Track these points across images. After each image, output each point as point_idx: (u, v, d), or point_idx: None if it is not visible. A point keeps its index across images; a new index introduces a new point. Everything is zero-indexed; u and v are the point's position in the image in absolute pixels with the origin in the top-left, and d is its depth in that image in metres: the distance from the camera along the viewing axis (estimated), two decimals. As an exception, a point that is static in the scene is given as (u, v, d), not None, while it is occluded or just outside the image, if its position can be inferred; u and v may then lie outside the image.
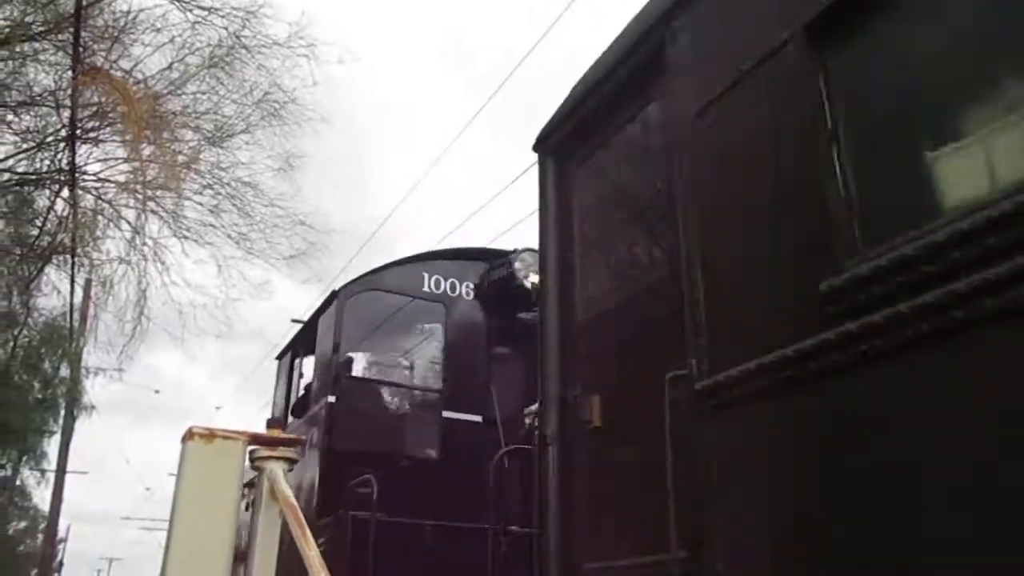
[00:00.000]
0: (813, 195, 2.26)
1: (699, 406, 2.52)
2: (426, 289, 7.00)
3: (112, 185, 13.76)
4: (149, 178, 13.22)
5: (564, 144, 3.79)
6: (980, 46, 2.02)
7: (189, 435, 2.93)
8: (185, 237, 14.05)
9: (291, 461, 3.08)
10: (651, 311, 2.97)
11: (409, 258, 7.19)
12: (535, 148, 3.97)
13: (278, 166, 14.64)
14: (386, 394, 7.35)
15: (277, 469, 3.00)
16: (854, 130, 2.26)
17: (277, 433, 3.16)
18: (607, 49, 3.59)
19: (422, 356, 7.63)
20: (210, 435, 2.96)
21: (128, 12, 12.48)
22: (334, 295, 6.89)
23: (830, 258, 2.16)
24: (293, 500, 2.89)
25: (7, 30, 11.53)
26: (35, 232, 13.99)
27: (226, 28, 12.99)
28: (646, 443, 2.75)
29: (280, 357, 8.43)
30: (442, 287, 7.06)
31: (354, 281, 6.99)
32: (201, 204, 14.23)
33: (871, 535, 1.94)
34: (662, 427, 2.62)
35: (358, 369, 7.23)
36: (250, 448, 3.05)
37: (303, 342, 7.78)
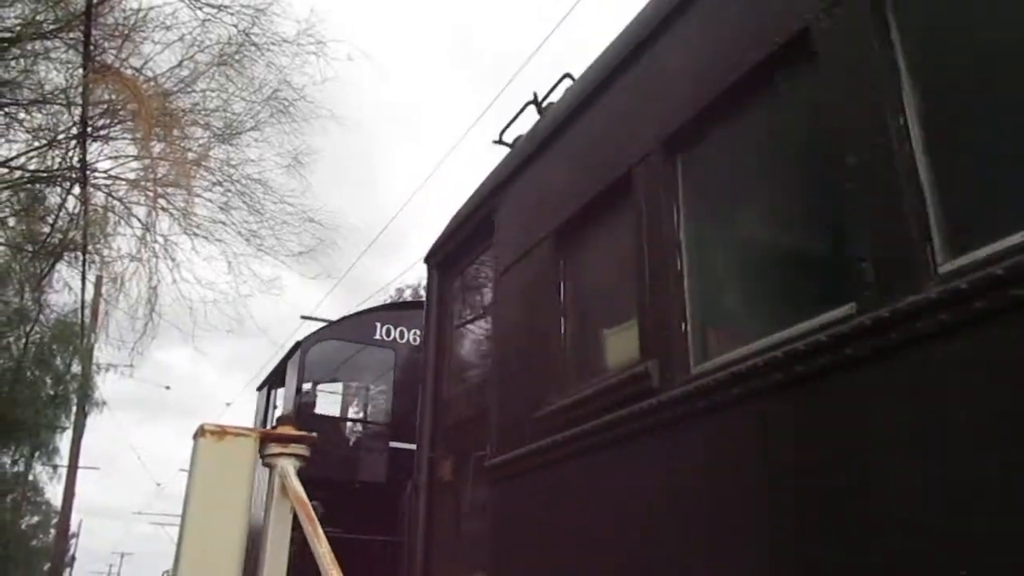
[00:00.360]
0: (547, 349, 3.53)
1: (489, 478, 3.81)
2: (377, 337, 8.28)
3: (123, 182, 14.04)
4: (159, 175, 13.51)
5: (444, 261, 5.07)
6: (622, 275, 3.30)
7: (201, 432, 2.95)
8: (195, 234, 14.31)
9: (303, 458, 3.08)
10: (473, 403, 4.25)
11: (366, 311, 8.52)
12: (425, 260, 5.25)
13: (287, 163, 14.94)
14: (342, 428, 8.68)
15: (288, 466, 3.01)
16: (572, 307, 3.53)
17: (288, 430, 3.17)
18: (470, 196, 4.86)
19: (374, 394, 8.95)
20: (221, 432, 2.96)
21: (138, 10, 12.65)
22: (298, 345, 8.19)
23: (543, 395, 3.43)
24: (304, 497, 2.90)
25: (18, 28, 11.67)
26: (46, 229, 14.06)
27: (235, 26, 13.23)
28: (469, 497, 4.04)
29: (260, 389, 9.75)
30: (392, 335, 8.34)
31: (316, 332, 8.30)
32: (211, 201, 14.45)
33: (581, 562, 3.21)
34: (469, 489, 3.92)
35: (319, 407, 8.56)
36: (261, 445, 3.04)
37: (277, 378, 9.08)
